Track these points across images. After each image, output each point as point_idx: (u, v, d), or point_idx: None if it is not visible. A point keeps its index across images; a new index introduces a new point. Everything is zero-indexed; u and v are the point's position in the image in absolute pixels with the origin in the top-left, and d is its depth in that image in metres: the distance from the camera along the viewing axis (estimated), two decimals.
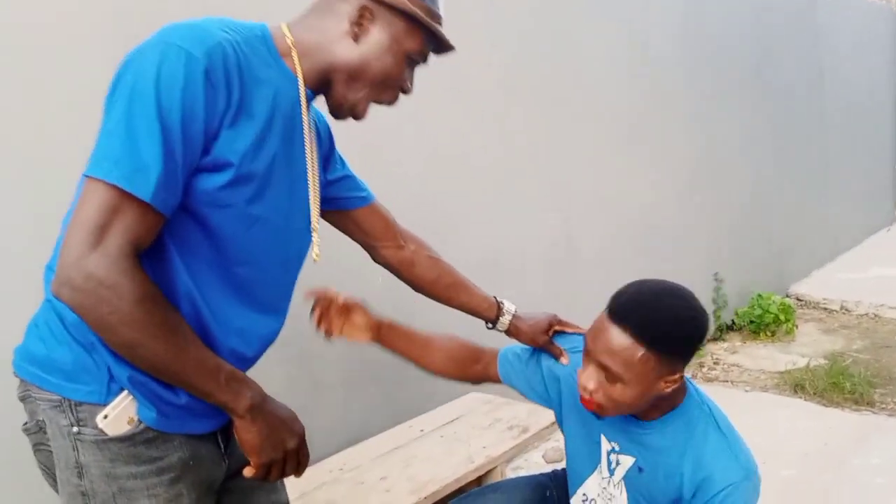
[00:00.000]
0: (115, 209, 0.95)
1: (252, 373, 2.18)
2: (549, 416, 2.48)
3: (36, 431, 1.12)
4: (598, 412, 1.38)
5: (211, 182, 1.04)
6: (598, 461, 1.56)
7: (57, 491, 1.18)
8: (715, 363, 4.46)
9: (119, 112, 0.97)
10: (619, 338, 1.29)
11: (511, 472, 3.15)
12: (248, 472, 1.14)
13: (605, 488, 1.57)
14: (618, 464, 1.52)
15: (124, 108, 0.97)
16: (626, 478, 1.50)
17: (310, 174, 1.21)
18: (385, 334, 1.64)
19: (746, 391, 4.00)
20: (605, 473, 1.55)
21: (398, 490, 1.97)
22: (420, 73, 1.29)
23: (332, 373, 2.38)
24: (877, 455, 3.07)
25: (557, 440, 3.42)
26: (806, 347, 4.61)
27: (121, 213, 0.95)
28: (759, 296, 4.97)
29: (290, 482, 2.17)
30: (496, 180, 3.01)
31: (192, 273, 1.08)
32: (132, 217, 0.96)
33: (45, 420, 1.09)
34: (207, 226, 1.07)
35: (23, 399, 1.13)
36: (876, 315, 5.24)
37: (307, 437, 1.19)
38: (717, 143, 4.79)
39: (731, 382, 4.14)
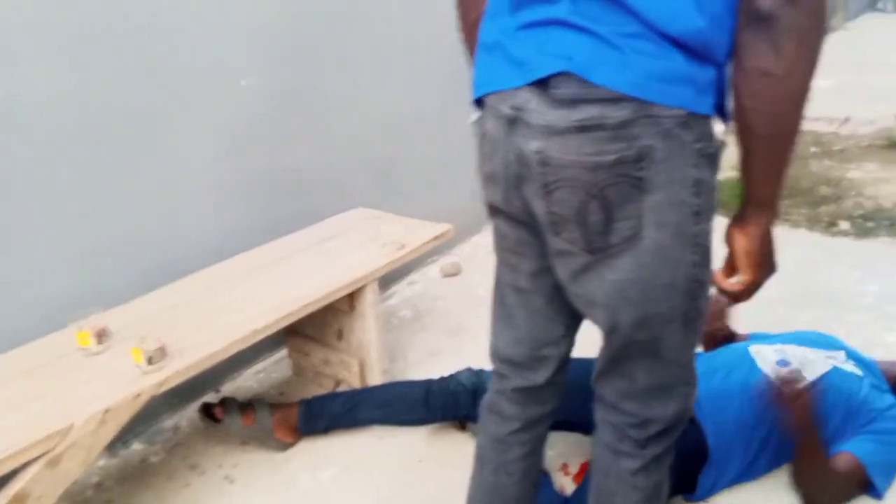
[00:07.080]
0: None
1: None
2: (428, 233, 2.35)
3: (632, 161, 0.99)
4: None
5: None
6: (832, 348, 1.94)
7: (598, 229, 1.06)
8: None
9: None
10: None
11: (407, 287, 3.09)
12: (729, 284, 1.13)
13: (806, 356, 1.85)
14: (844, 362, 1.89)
15: None
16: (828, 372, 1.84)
17: None
18: None
19: None
20: (825, 353, 1.89)
21: (252, 310, 1.86)
22: None
23: (208, 177, 2.19)
24: None
25: (458, 255, 3.34)
26: None
27: None
28: None
29: None
30: None
31: None
32: None
33: (657, 142, 0.98)
34: None
35: (629, 123, 0.98)
36: None
37: None
38: None
39: None
